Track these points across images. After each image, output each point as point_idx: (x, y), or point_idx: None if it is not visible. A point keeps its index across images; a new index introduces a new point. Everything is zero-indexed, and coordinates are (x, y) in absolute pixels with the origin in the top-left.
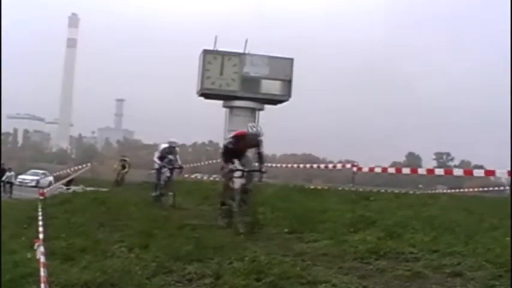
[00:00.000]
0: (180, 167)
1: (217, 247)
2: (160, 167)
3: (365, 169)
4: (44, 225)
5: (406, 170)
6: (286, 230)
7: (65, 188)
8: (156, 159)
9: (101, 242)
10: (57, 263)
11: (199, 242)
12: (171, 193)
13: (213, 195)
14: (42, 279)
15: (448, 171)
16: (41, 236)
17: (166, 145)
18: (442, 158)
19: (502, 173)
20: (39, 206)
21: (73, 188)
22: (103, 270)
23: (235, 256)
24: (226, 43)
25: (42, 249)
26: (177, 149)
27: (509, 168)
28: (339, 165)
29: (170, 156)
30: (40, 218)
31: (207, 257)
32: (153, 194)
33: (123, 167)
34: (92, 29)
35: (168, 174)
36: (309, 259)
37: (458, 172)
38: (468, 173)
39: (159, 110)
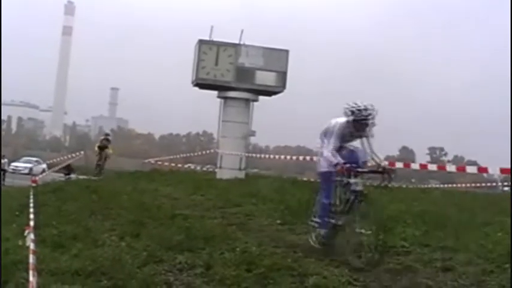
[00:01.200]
0: (384, 170)
1: (208, 237)
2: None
3: None
4: (35, 213)
5: (399, 165)
6: (278, 222)
7: (65, 177)
8: (327, 152)
9: (92, 230)
10: (47, 251)
11: (191, 231)
12: (365, 231)
13: (205, 185)
14: (31, 266)
15: (441, 167)
16: (31, 223)
17: (343, 119)
18: (436, 153)
19: (495, 170)
20: (31, 194)
21: (73, 176)
22: (93, 258)
23: (226, 247)
24: (222, 33)
25: (32, 236)
26: (371, 121)
27: (502, 165)
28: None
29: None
30: (32, 205)
31: (198, 247)
32: (315, 223)
33: (104, 148)
34: (88, 17)
35: (358, 187)
36: (301, 251)
37: (451, 168)
38: (461, 169)
39: (154, 99)
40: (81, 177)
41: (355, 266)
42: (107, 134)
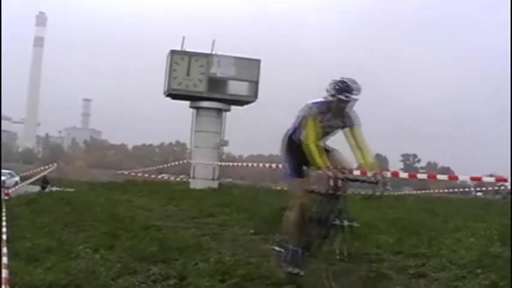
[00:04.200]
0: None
1: (182, 248)
2: None
3: None
4: (8, 226)
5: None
6: (251, 231)
7: (45, 189)
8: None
9: (66, 242)
10: (21, 264)
11: (164, 243)
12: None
13: (178, 195)
14: (3, 280)
15: (412, 175)
16: (4, 236)
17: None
18: (409, 160)
19: (465, 178)
20: (4, 206)
21: (49, 188)
22: (67, 271)
23: (200, 257)
24: (193, 44)
25: (5, 250)
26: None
27: (474, 172)
28: None
29: None
30: (4, 218)
31: (172, 258)
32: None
33: None
34: (60, 28)
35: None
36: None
37: (422, 176)
38: (432, 177)
39: (127, 110)
40: (54, 189)
41: None
42: None
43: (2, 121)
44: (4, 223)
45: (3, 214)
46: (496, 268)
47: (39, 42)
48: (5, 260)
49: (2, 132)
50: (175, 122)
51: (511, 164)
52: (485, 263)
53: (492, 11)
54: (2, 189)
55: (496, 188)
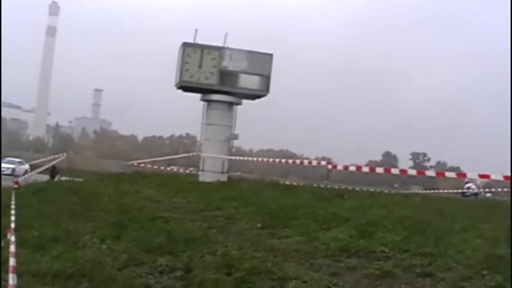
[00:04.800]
0: None
1: (188, 240)
2: None
3: (340, 167)
4: (16, 214)
5: (380, 170)
6: (259, 226)
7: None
8: None
9: (73, 232)
10: (28, 252)
11: (171, 234)
12: None
13: (187, 188)
14: (11, 269)
15: (421, 172)
16: (12, 225)
17: None
18: (419, 158)
19: (473, 176)
20: (13, 195)
21: (58, 178)
22: (74, 260)
23: (207, 250)
24: (206, 36)
25: (13, 238)
26: None
27: (480, 172)
28: (314, 162)
29: None
30: (13, 206)
31: (179, 249)
32: None
33: None
34: (72, 17)
35: None
36: (281, 255)
37: (430, 173)
38: (440, 174)
39: (137, 101)
40: (63, 178)
41: None
42: None
43: (13, 110)
44: (13, 211)
45: (12, 202)
46: (502, 269)
47: (51, 31)
48: (12, 248)
49: (12, 121)
50: (186, 115)
51: (511, 163)
52: (492, 264)
53: (492, 11)
54: (12, 177)
55: (506, 189)
